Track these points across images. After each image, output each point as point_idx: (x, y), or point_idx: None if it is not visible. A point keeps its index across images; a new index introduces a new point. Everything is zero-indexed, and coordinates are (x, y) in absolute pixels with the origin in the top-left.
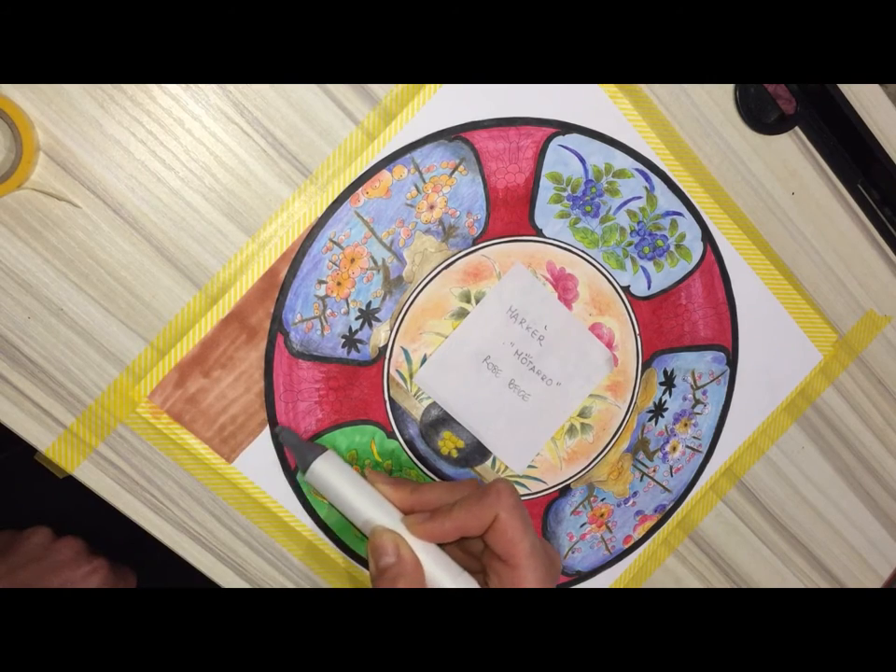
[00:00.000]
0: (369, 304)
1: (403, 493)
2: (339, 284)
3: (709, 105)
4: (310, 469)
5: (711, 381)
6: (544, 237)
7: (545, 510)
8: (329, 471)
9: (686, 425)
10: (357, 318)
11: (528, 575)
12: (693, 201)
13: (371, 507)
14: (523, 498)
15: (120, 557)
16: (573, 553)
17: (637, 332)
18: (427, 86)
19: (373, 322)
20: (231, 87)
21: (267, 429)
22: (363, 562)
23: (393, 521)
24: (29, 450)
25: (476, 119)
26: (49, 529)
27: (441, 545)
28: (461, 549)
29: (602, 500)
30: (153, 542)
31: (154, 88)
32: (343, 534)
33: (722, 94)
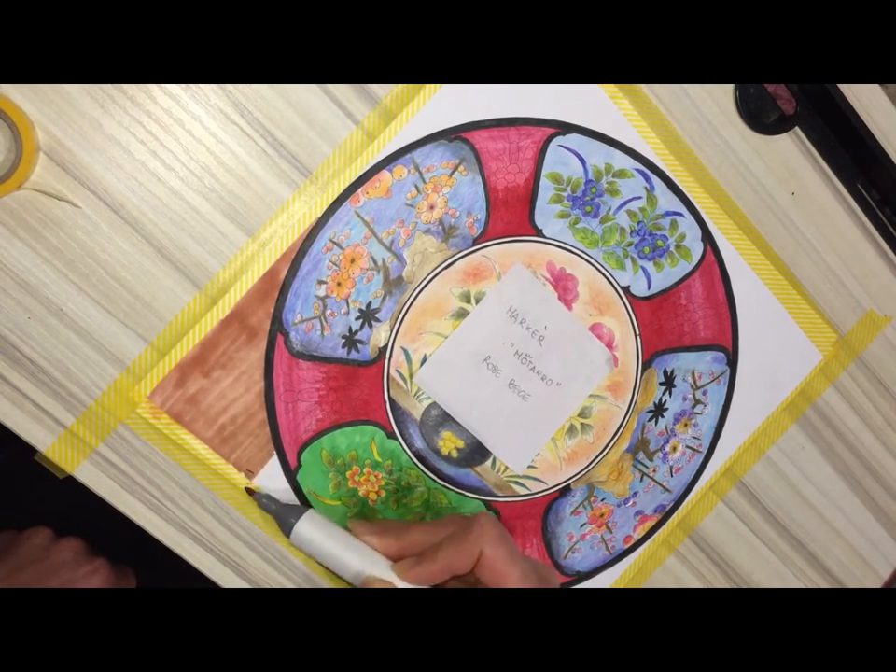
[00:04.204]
0: (369, 304)
1: (388, 541)
2: (339, 284)
3: (709, 105)
4: (293, 533)
5: (711, 381)
6: (544, 237)
7: (545, 510)
8: (313, 531)
9: (686, 425)
10: (356, 318)
11: None
12: (693, 201)
13: (359, 560)
14: (523, 499)
15: (121, 558)
16: (573, 553)
17: (637, 332)
18: (427, 86)
19: (373, 322)
20: (230, 87)
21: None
22: None
23: (382, 570)
24: (29, 450)
25: (476, 120)
26: (49, 530)
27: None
28: (457, 579)
29: (602, 500)
30: (154, 543)
31: (154, 88)
32: None
33: (722, 94)
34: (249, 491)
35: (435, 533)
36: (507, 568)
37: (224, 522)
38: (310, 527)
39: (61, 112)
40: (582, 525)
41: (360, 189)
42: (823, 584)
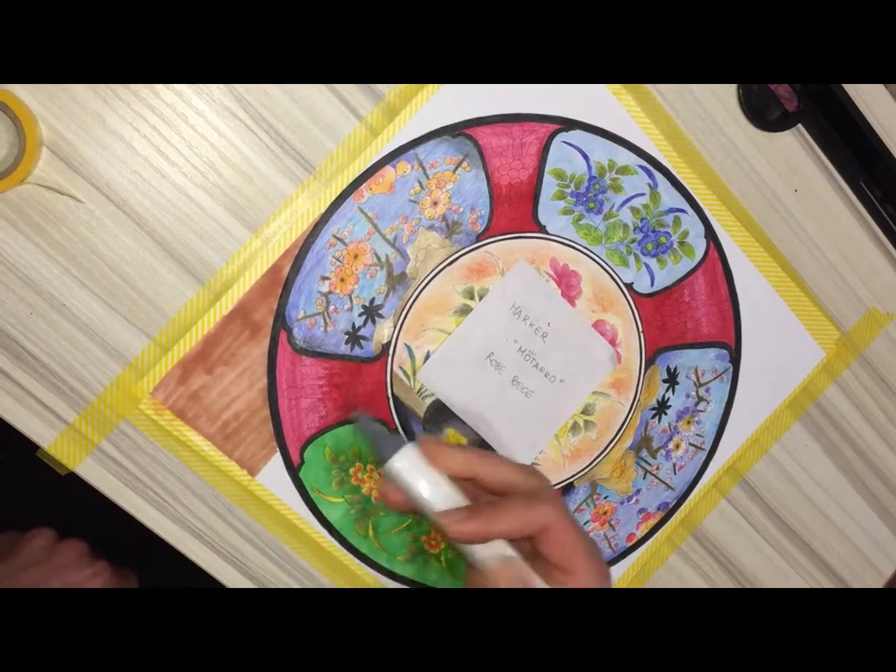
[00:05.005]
0: (372, 301)
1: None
2: (342, 280)
3: (713, 102)
4: (386, 468)
5: (714, 378)
6: (548, 234)
7: None
8: (406, 469)
9: (689, 422)
10: (360, 315)
11: (587, 579)
12: (697, 198)
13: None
14: None
15: (122, 558)
16: None
17: (641, 329)
18: None
19: (377, 318)
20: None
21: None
22: (367, 560)
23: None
24: (31, 448)
25: (480, 116)
26: (52, 531)
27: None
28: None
29: (605, 498)
30: (155, 543)
31: (158, 84)
32: (348, 533)
33: (726, 92)
34: (350, 408)
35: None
36: (574, 546)
37: (227, 519)
38: (404, 465)
39: (64, 107)
40: (586, 523)
41: (364, 185)
42: (825, 582)
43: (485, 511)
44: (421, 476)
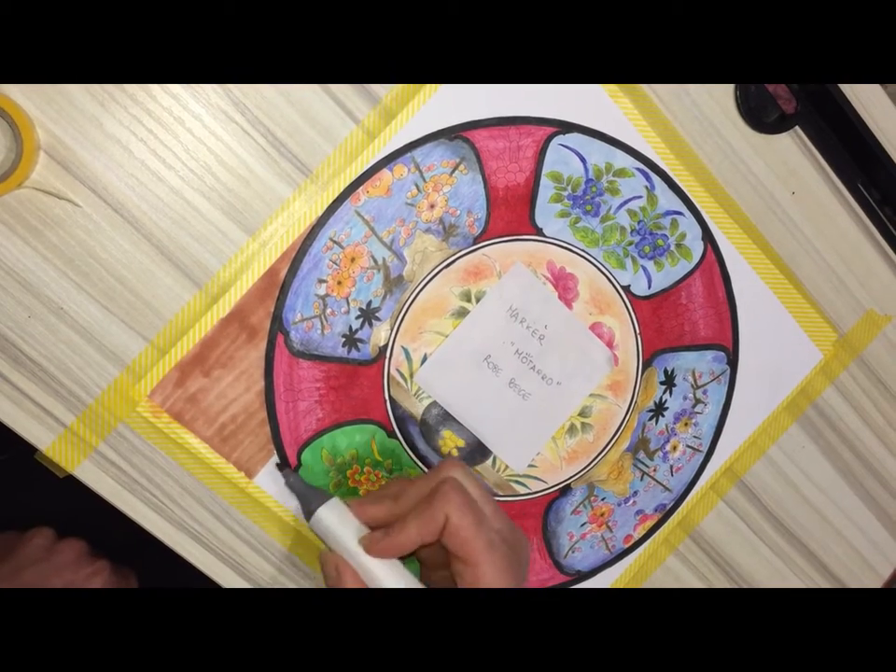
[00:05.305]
0: (369, 303)
1: (387, 508)
2: (339, 283)
3: (710, 104)
4: (313, 519)
5: (712, 380)
6: (544, 236)
7: (545, 509)
8: (332, 520)
9: (686, 424)
10: (357, 317)
11: (487, 570)
12: (694, 200)
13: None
14: (524, 498)
15: (122, 558)
16: (573, 552)
17: (638, 332)
18: (428, 85)
19: (374, 321)
20: (231, 86)
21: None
22: None
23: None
24: (30, 450)
25: (476, 119)
26: (51, 531)
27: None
28: (434, 553)
29: (602, 500)
30: (155, 543)
31: (154, 87)
32: None
33: (723, 94)
34: (279, 466)
35: (424, 487)
36: (472, 535)
37: (224, 521)
38: (330, 516)
39: (61, 111)
40: (583, 525)
41: (361, 188)
42: (823, 583)
43: (396, 526)
44: (346, 526)
